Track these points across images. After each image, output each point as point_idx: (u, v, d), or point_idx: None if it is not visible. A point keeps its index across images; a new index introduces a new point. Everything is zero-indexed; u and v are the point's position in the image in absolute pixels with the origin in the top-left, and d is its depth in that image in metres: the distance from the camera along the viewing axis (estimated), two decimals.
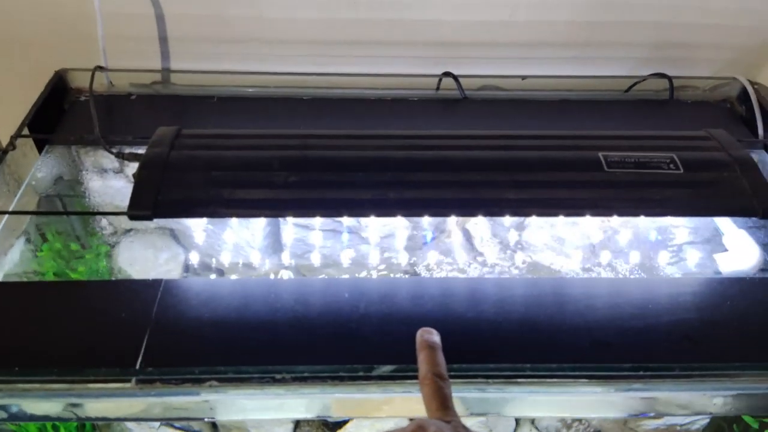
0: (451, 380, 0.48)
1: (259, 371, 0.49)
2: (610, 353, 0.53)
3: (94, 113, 0.68)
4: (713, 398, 0.54)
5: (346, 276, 0.69)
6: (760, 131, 0.79)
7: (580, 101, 0.83)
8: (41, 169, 0.69)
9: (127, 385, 0.48)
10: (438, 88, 0.83)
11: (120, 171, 0.71)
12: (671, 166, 0.61)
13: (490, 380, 0.50)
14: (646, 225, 0.73)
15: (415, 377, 0.50)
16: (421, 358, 0.47)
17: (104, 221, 0.73)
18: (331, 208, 0.57)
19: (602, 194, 0.58)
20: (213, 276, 0.72)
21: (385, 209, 0.57)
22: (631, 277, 0.68)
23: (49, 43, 0.79)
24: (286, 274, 0.71)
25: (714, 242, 0.73)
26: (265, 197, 0.56)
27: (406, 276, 0.69)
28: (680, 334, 0.55)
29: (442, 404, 0.43)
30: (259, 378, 0.48)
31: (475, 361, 0.50)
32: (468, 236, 0.73)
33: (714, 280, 0.63)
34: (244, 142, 0.62)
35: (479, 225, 0.74)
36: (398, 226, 0.74)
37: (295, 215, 0.63)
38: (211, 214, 0.56)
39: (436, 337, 0.49)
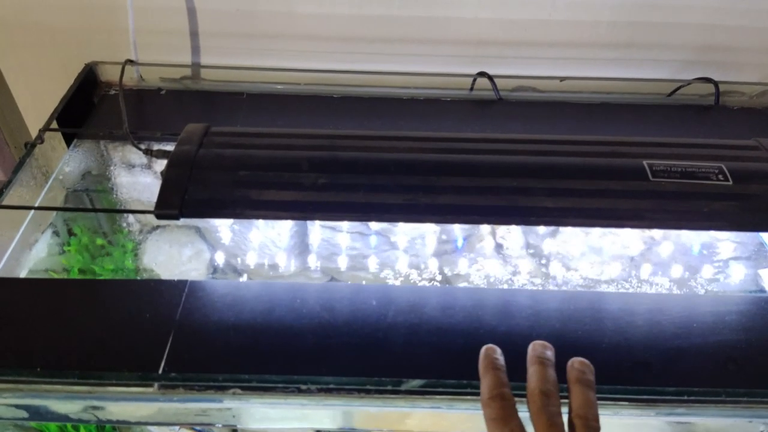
0: (479, 396, 0.46)
1: (283, 381, 0.47)
2: (650, 375, 0.50)
3: (123, 108, 0.67)
4: (759, 426, 0.51)
5: (373, 280, 0.67)
6: None
7: (621, 105, 0.80)
8: (69, 163, 0.68)
9: (150, 389, 0.47)
10: (472, 89, 0.80)
11: (148, 166, 0.71)
12: (720, 176, 0.57)
13: (523, 399, 0.47)
14: (689, 237, 0.70)
15: (444, 393, 0.48)
16: (531, 372, 0.43)
17: (131, 217, 0.72)
18: (360, 212, 0.55)
19: (647, 205, 0.55)
20: (238, 276, 0.71)
21: (416, 215, 0.55)
22: (673, 293, 0.65)
23: (80, 36, 0.78)
24: (312, 277, 0.69)
25: (759, 257, 0.69)
26: (293, 199, 0.55)
27: (436, 283, 0.67)
28: (725, 356, 0.52)
29: (548, 422, 0.40)
30: (283, 388, 0.47)
31: (508, 377, 0.48)
32: (500, 243, 0.71)
33: (761, 299, 0.60)
34: (274, 141, 0.60)
35: (512, 231, 0.72)
36: (427, 230, 0.71)
37: (324, 218, 0.61)
38: (238, 215, 0.55)
39: (549, 352, 0.44)
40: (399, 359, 0.50)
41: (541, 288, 0.66)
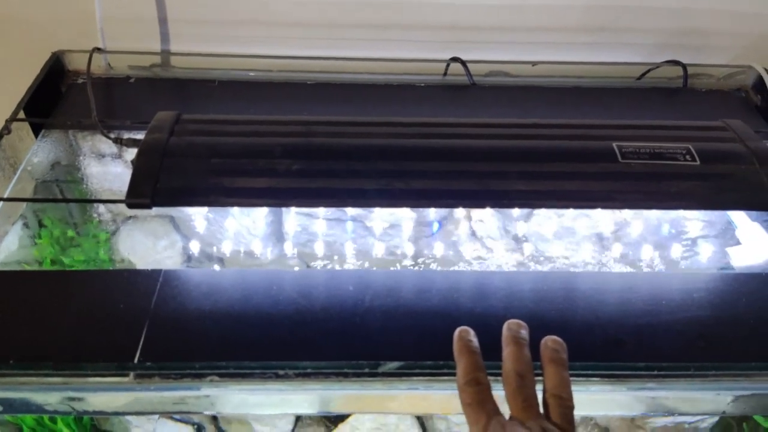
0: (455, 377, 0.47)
1: (261, 367, 0.47)
2: (622, 351, 0.51)
3: (92, 97, 0.66)
4: (727, 398, 0.53)
5: (350, 267, 0.68)
6: None
7: (592, 88, 0.81)
8: (37, 153, 0.67)
9: (126, 379, 0.47)
10: (446, 74, 0.81)
11: (119, 156, 0.70)
12: (687, 157, 0.59)
13: (499, 377, 0.48)
14: (658, 216, 0.71)
15: (421, 374, 0.49)
16: (506, 353, 0.43)
17: (102, 207, 0.71)
18: (335, 198, 0.55)
19: (616, 186, 0.56)
20: (214, 265, 0.70)
21: (391, 200, 0.55)
22: (644, 271, 0.66)
23: (46, 25, 0.76)
24: (288, 265, 0.69)
25: (727, 235, 0.71)
26: (267, 186, 0.54)
27: (412, 267, 0.67)
28: (694, 332, 0.54)
29: (523, 403, 0.40)
30: (261, 373, 0.47)
31: (484, 358, 0.49)
32: (475, 227, 0.72)
33: (728, 276, 0.61)
34: (246, 128, 0.60)
35: (486, 214, 0.73)
36: (403, 215, 0.72)
37: (299, 205, 0.62)
38: (211, 203, 0.54)
39: (524, 331, 0.45)
40: (376, 342, 0.50)
41: (515, 269, 0.67)
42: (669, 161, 0.58)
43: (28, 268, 0.62)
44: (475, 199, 0.56)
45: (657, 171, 0.57)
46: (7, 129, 0.62)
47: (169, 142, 0.56)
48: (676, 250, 0.68)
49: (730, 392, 0.53)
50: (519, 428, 0.39)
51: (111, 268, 0.64)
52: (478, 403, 0.40)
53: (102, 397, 0.49)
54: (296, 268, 0.68)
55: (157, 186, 0.53)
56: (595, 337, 0.53)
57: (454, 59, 0.80)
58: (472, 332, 0.45)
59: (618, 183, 0.56)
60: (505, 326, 0.45)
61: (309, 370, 0.47)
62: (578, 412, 0.43)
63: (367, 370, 0.48)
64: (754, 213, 0.70)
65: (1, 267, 0.60)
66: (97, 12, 0.73)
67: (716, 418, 0.78)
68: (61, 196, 0.68)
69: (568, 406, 0.41)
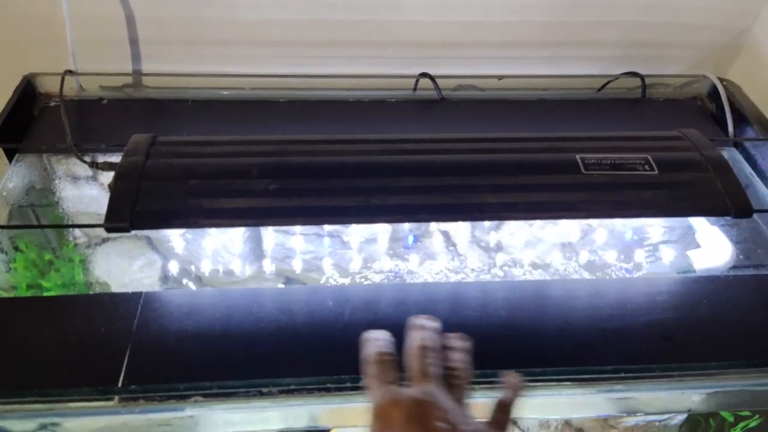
0: None
1: (244, 385, 0.48)
2: (591, 355, 0.54)
3: (66, 120, 0.66)
4: (691, 396, 0.56)
5: (329, 281, 0.69)
6: (730, 128, 0.81)
7: (556, 100, 0.84)
8: (12, 178, 0.67)
9: (110, 402, 0.47)
10: (415, 89, 0.83)
11: (94, 178, 0.70)
12: (646, 167, 0.62)
13: (475, 386, 0.50)
14: (622, 223, 0.74)
15: None
16: (410, 335, 0.47)
17: (78, 230, 0.71)
18: (313, 216, 0.57)
19: (581, 197, 0.59)
20: (192, 284, 0.71)
21: (367, 216, 0.57)
22: (609, 277, 0.69)
23: (15, 48, 0.76)
24: (267, 281, 0.70)
25: (687, 239, 0.74)
26: (245, 206, 0.55)
27: (390, 280, 0.69)
28: (658, 334, 0.56)
29: (419, 372, 0.43)
30: (244, 392, 0.48)
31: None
32: (448, 237, 0.74)
33: (689, 279, 0.65)
34: (222, 149, 0.61)
35: (459, 225, 0.75)
36: (379, 229, 0.74)
37: (277, 224, 0.63)
38: (190, 224, 0.55)
39: (431, 323, 0.48)
40: (357, 356, 0.52)
41: (488, 279, 0.69)
42: (629, 171, 0.61)
43: (4, 294, 0.62)
44: (448, 213, 0.58)
45: (618, 181, 0.60)
46: None
47: (146, 164, 0.57)
48: (639, 256, 0.71)
49: (695, 390, 0.56)
50: (402, 390, 0.42)
51: (91, 293, 0.64)
52: (376, 375, 0.43)
53: (86, 421, 0.49)
54: (277, 285, 0.69)
55: (135, 209, 0.53)
56: (566, 343, 0.55)
57: (424, 74, 0.82)
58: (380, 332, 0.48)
59: (582, 194, 0.59)
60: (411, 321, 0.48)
61: (292, 387, 0.49)
62: (553, 416, 0.46)
63: (348, 384, 0.49)
64: (713, 218, 0.73)
65: None
66: (68, 34, 0.73)
67: (684, 416, 0.81)
68: (36, 220, 0.68)
69: (462, 377, 0.45)
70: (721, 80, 0.85)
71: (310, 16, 0.78)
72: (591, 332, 0.56)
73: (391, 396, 0.41)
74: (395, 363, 0.44)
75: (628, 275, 0.70)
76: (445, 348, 0.46)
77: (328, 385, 0.49)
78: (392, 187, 0.58)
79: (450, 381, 0.44)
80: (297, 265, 0.71)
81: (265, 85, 0.80)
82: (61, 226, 0.67)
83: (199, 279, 0.71)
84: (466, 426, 0.40)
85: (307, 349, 0.52)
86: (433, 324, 0.48)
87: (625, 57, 0.87)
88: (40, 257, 0.68)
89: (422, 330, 0.47)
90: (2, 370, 0.48)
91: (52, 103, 0.74)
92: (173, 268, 0.69)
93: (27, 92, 0.74)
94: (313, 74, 0.81)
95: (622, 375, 0.53)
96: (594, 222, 0.73)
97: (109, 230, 0.52)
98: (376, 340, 0.47)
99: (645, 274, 0.70)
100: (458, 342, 0.47)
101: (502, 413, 0.45)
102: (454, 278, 0.69)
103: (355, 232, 0.73)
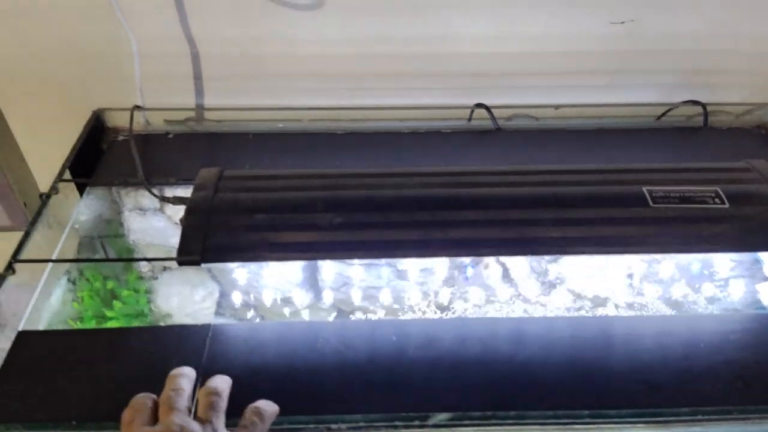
0: (505, 427, 0.48)
1: (313, 421, 0.48)
2: (664, 397, 0.52)
3: (136, 156, 0.69)
4: None
5: (386, 312, 0.69)
6: None
7: (614, 129, 0.83)
8: (83, 211, 0.69)
9: None
10: (470, 119, 0.83)
11: (160, 210, 0.72)
12: (716, 200, 0.60)
13: (547, 427, 0.49)
14: (687, 256, 0.72)
15: (470, 424, 0.50)
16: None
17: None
18: (375, 250, 0.57)
19: (650, 231, 0.57)
20: (252, 313, 0.72)
21: (429, 250, 0.57)
22: (679, 314, 0.67)
23: (83, 83, 0.79)
24: (326, 312, 0.71)
25: (755, 272, 0.72)
26: (310, 240, 0.56)
27: (448, 314, 0.69)
28: (733, 374, 0.54)
29: (167, 407, 0.45)
30: (314, 428, 0.48)
31: (531, 407, 0.50)
32: (507, 270, 0.73)
33: (762, 316, 0.62)
34: (286, 182, 0.62)
35: (518, 257, 0.74)
36: (436, 259, 0.73)
37: (341, 257, 0.63)
38: (256, 258, 0.56)
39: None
40: (422, 393, 0.51)
41: (549, 314, 0.68)
42: (699, 204, 0.60)
43: (75, 325, 0.64)
44: (511, 247, 0.58)
45: (688, 215, 0.59)
46: (54, 189, 0.65)
47: (215, 199, 0.58)
48: (708, 290, 0.69)
49: None
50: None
51: (162, 324, 0.66)
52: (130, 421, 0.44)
53: None
54: (334, 315, 0.69)
55: (205, 244, 0.55)
56: (635, 383, 0.53)
57: (479, 105, 0.82)
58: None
59: (651, 228, 0.58)
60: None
61: (361, 424, 0.49)
62: None
63: (417, 423, 0.49)
64: None
65: (50, 324, 0.62)
66: (136, 70, 0.76)
67: None
68: (105, 251, 0.70)
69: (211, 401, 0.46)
70: None
71: (367, 49, 0.79)
72: (662, 372, 0.54)
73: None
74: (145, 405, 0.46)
75: (696, 311, 0.67)
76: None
77: (396, 423, 0.49)
78: (453, 221, 0.58)
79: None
80: (354, 295, 0.71)
81: (322, 117, 0.81)
82: (135, 259, 0.69)
83: (257, 308, 0.72)
84: None
85: (373, 385, 0.52)
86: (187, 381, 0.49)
87: (686, 84, 0.85)
88: (104, 286, 0.71)
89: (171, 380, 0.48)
90: (82, 401, 0.49)
91: (120, 138, 0.77)
92: (233, 297, 0.70)
93: (96, 126, 0.77)
94: (370, 106, 0.82)
95: (699, 417, 0.51)
96: (659, 255, 0.72)
97: (180, 264, 0.54)
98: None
99: (715, 310, 0.68)
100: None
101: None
102: (513, 310, 0.68)
103: (411, 262, 0.72)
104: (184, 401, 0.46)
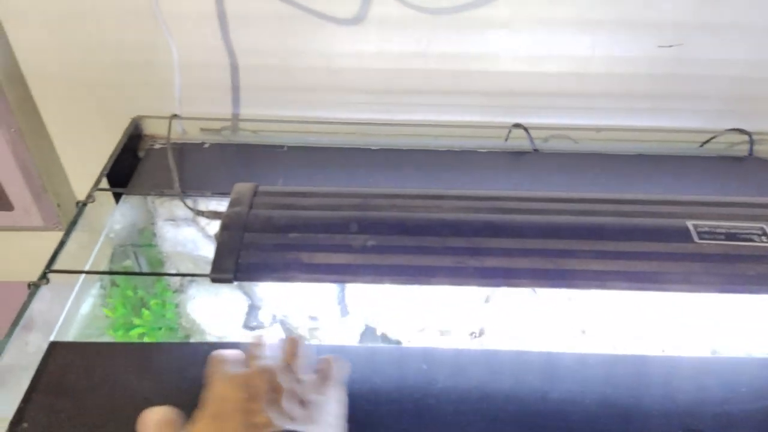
0: None
1: None
2: None
3: (173, 167, 0.69)
4: None
5: (414, 338, 0.68)
6: None
7: (656, 155, 0.81)
8: (118, 219, 0.70)
9: None
10: (507, 139, 0.82)
11: (193, 221, 0.72)
12: (763, 238, 0.58)
13: None
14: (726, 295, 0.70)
15: None
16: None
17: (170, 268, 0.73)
18: (409, 276, 0.56)
19: (694, 268, 0.55)
20: (279, 328, 0.71)
21: (464, 278, 0.56)
22: (718, 355, 0.65)
23: (121, 90, 0.80)
24: (350, 333, 0.70)
25: None
26: (343, 262, 0.55)
27: (477, 340, 0.67)
28: None
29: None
30: None
31: None
32: (539, 297, 0.71)
33: None
34: (321, 201, 0.61)
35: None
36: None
37: (373, 282, 0.62)
38: (289, 278, 0.55)
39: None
40: (450, 425, 0.50)
41: (583, 349, 0.66)
42: (744, 242, 0.58)
43: (109, 333, 0.64)
44: (548, 279, 0.56)
45: (734, 252, 0.57)
46: (91, 198, 0.65)
47: (249, 216, 0.58)
48: (748, 331, 0.67)
49: None
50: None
51: (192, 341, 0.66)
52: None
53: None
54: (359, 336, 0.68)
55: (238, 261, 0.54)
56: (673, 427, 0.52)
57: (517, 125, 0.80)
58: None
59: (696, 265, 0.56)
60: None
61: None
62: None
63: None
64: None
65: (82, 332, 0.62)
66: (176, 79, 0.76)
67: None
68: (137, 260, 0.71)
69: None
70: None
71: (404, 64, 0.78)
72: (703, 416, 0.52)
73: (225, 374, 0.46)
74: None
75: (737, 354, 0.65)
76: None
77: None
78: (489, 249, 0.57)
79: None
80: (381, 318, 0.70)
81: (357, 131, 0.81)
82: (169, 274, 0.69)
83: (284, 324, 0.72)
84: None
85: (398, 413, 0.51)
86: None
87: (731, 112, 0.83)
88: (135, 294, 0.71)
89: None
90: (114, 415, 0.49)
91: (157, 146, 0.77)
92: (262, 315, 0.70)
93: (134, 134, 0.77)
94: (404, 122, 0.82)
95: None
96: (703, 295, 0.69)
97: (214, 281, 0.53)
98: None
99: (756, 354, 0.65)
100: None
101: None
102: (544, 342, 0.66)
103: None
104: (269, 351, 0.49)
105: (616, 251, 0.57)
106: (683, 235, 0.58)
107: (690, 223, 0.59)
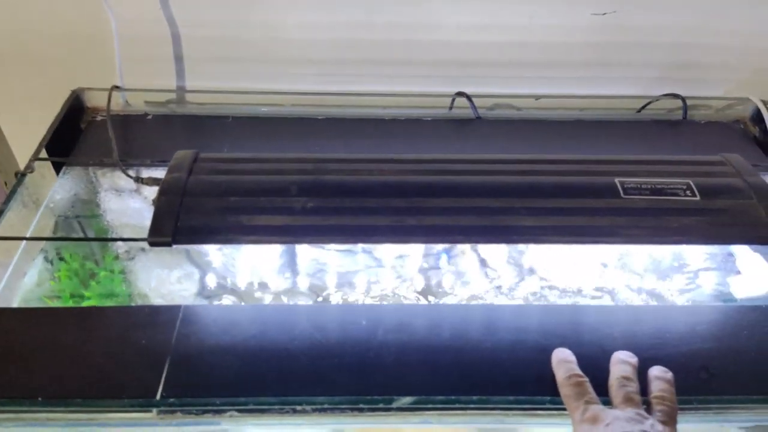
0: (468, 411, 0.49)
1: (279, 402, 0.49)
2: None
3: (113, 136, 0.68)
4: (731, 430, 0.54)
5: (361, 299, 0.69)
6: None
7: (594, 121, 0.83)
8: (59, 191, 0.69)
9: (149, 414, 0.48)
10: (451, 108, 0.83)
11: (137, 191, 0.72)
12: (688, 192, 0.61)
13: (509, 412, 0.50)
14: (659, 248, 0.73)
15: (434, 409, 0.50)
16: (612, 369, 0.52)
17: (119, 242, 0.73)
18: (349, 235, 0.58)
19: (620, 222, 0.58)
20: (227, 296, 0.72)
21: (402, 236, 0.57)
22: (647, 304, 0.68)
23: (65, 64, 0.79)
24: (301, 296, 0.71)
25: (727, 266, 0.73)
26: (283, 224, 0.57)
27: (422, 300, 0.69)
28: (697, 365, 0.55)
29: (624, 396, 0.48)
30: (279, 409, 0.49)
31: (494, 392, 0.51)
32: (481, 257, 0.73)
33: (730, 308, 0.63)
34: (262, 166, 0.62)
35: (493, 246, 0.74)
36: (412, 246, 0.74)
37: (313, 242, 0.63)
38: (229, 241, 0.56)
39: (632, 360, 0.52)
40: (390, 377, 0.52)
41: (520, 302, 0.68)
42: (670, 197, 0.60)
43: (49, 303, 0.64)
44: (484, 235, 0.58)
45: (658, 207, 0.59)
46: (30, 168, 0.65)
47: (188, 181, 0.59)
48: (678, 282, 0.70)
49: (735, 424, 0.55)
50: (611, 411, 0.46)
51: (132, 305, 0.66)
52: (576, 394, 0.48)
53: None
54: (309, 302, 0.69)
55: (177, 225, 0.55)
56: (602, 372, 0.54)
57: (460, 94, 0.82)
58: (568, 351, 0.53)
59: (621, 219, 0.58)
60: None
61: (325, 406, 0.49)
62: None
63: (381, 405, 0.49)
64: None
65: (24, 302, 0.62)
66: (116, 51, 0.76)
67: None
68: (82, 231, 0.70)
69: (669, 405, 0.49)
70: (765, 103, 0.83)
71: (349, 35, 0.79)
72: None
73: (595, 413, 0.46)
74: (588, 384, 0.49)
75: (665, 302, 0.68)
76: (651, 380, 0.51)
77: (361, 405, 0.49)
78: (428, 208, 0.59)
79: (656, 408, 0.48)
80: (329, 281, 0.72)
81: (302, 102, 0.81)
82: (107, 239, 0.69)
83: (234, 291, 0.72)
84: None
85: (341, 368, 0.52)
86: (632, 359, 0.52)
87: (666, 78, 0.86)
88: (83, 267, 0.71)
89: (623, 364, 0.51)
90: (44, 378, 0.50)
91: (99, 117, 0.77)
92: (210, 280, 0.71)
93: (75, 106, 0.76)
94: (351, 92, 0.82)
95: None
96: (630, 246, 0.72)
97: (152, 244, 0.54)
98: (568, 363, 0.51)
99: (684, 302, 0.69)
100: (661, 373, 0.52)
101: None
102: (486, 297, 0.69)
103: (387, 248, 0.73)
104: (637, 393, 0.49)
105: (547, 207, 0.59)
106: (611, 191, 0.60)
107: (617, 180, 0.61)
